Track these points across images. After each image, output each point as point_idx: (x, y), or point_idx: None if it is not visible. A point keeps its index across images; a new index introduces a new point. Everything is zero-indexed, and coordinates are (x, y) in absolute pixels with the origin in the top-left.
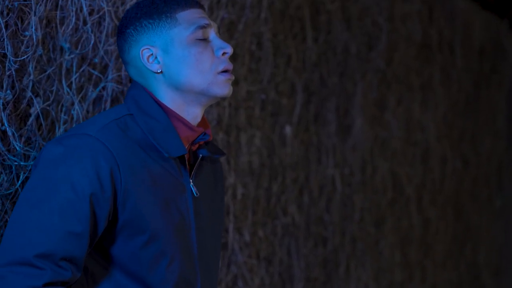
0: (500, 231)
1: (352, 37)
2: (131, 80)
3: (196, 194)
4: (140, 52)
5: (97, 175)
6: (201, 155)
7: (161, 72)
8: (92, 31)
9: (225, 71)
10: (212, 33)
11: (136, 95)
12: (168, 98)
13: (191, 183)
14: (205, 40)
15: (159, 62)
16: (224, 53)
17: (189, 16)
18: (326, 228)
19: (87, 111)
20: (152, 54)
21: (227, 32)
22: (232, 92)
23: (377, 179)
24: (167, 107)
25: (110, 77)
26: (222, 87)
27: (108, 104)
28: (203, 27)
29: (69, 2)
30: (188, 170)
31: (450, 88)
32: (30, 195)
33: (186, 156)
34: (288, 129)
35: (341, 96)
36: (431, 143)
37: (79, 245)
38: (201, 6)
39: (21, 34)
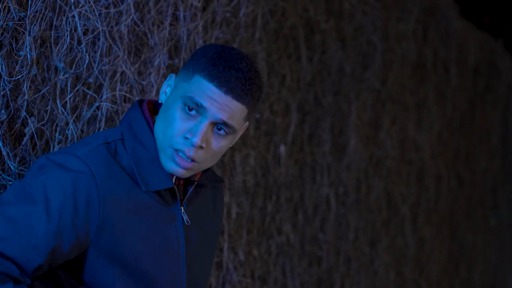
0: (495, 250)
1: (346, 56)
2: (125, 100)
3: (187, 222)
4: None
5: (73, 197)
6: (196, 182)
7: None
8: (86, 51)
9: (179, 152)
10: (205, 120)
11: (132, 119)
12: None
13: (182, 211)
14: (193, 116)
15: (165, 93)
16: (186, 138)
17: (204, 87)
18: (320, 248)
19: (82, 131)
20: (170, 85)
21: None
22: (185, 176)
23: (372, 198)
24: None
25: (104, 96)
26: (167, 162)
27: (102, 123)
28: (198, 105)
29: (64, 22)
30: (182, 197)
31: (445, 107)
32: (5, 195)
33: (181, 182)
34: (282, 149)
35: (335, 115)
36: (426, 162)
37: (32, 258)
38: (239, 100)
39: (16, 54)
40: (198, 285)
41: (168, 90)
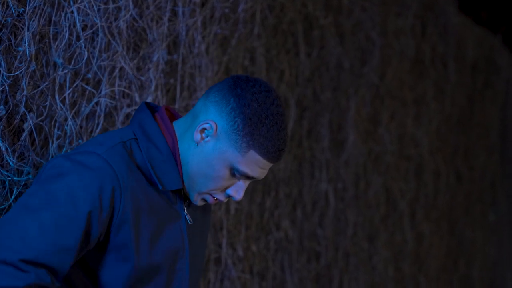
0: (494, 246)
1: (345, 52)
2: (124, 96)
3: (190, 221)
4: (205, 121)
5: (99, 194)
6: None
7: (197, 144)
8: (85, 47)
9: (215, 197)
10: (249, 181)
11: (143, 121)
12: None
13: (185, 211)
14: (234, 176)
15: (203, 138)
16: (229, 195)
17: (259, 162)
18: (319, 243)
19: (80, 127)
20: (209, 129)
21: (220, 47)
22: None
23: (371, 194)
24: (174, 141)
25: (103, 92)
26: (197, 199)
27: (101, 119)
28: (247, 176)
29: (62, 18)
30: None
31: (444, 103)
32: (29, 200)
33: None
34: None
35: (334, 111)
36: (424, 158)
37: (65, 260)
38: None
39: (14, 50)
40: (195, 281)
41: (206, 136)
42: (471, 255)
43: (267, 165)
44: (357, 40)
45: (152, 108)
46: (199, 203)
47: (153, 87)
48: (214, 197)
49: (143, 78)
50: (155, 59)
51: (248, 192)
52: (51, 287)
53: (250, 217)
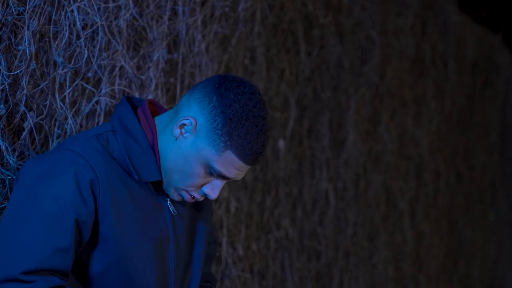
0: (494, 246)
1: (345, 51)
2: (124, 94)
3: (174, 212)
4: (186, 116)
5: (78, 189)
6: None
7: (176, 139)
8: (85, 46)
9: (191, 195)
10: (224, 181)
11: (122, 113)
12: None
13: (168, 202)
14: (211, 174)
15: (182, 134)
16: (204, 193)
17: (235, 164)
18: (319, 242)
19: (81, 125)
20: (188, 125)
21: (221, 46)
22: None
23: (371, 193)
24: (154, 135)
25: (103, 91)
26: (174, 195)
27: (101, 118)
28: (225, 177)
29: (63, 17)
30: None
31: (444, 102)
32: (15, 212)
33: None
34: (281, 143)
35: (334, 110)
36: (424, 157)
37: (65, 259)
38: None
39: (15, 49)
40: (189, 272)
41: (185, 131)
42: (471, 255)
43: (244, 167)
44: (357, 39)
45: (134, 103)
46: (177, 198)
47: (153, 86)
48: (190, 194)
49: (143, 77)
50: (155, 58)
51: (248, 191)
52: (62, 284)
53: (250, 216)
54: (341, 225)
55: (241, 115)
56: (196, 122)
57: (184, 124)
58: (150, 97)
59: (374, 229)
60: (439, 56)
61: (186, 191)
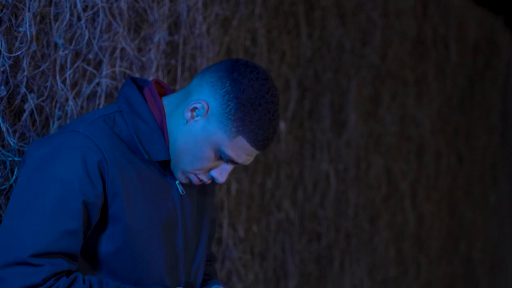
0: (495, 227)
1: (346, 33)
2: (125, 77)
3: (182, 192)
4: (197, 100)
5: (86, 171)
6: None
7: (186, 122)
8: (86, 27)
9: (199, 177)
10: (233, 165)
11: (128, 94)
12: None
13: (177, 182)
14: (220, 158)
15: (193, 117)
16: (212, 176)
17: (246, 149)
18: (320, 224)
19: (81, 107)
20: (200, 109)
21: (222, 28)
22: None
23: (372, 174)
24: (162, 115)
25: (104, 73)
26: (181, 177)
27: (102, 99)
28: (232, 161)
29: None
30: None
31: (445, 84)
32: (22, 195)
33: None
34: (282, 125)
35: (335, 92)
36: (425, 138)
37: (74, 242)
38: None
39: (15, 30)
40: (197, 252)
41: (197, 115)
42: (472, 236)
43: (254, 152)
44: (358, 21)
45: (139, 83)
46: (184, 180)
47: (154, 68)
48: (198, 178)
49: (144, 59)
50: (156, 40)
51: (249, 173)
52: (70, 268)
53: (251, 198)
54: (342, 207)
55: (254, 100)
56: (208, 106)
57: (196, 108)
58: (150, 79)
59: (375, 211)
60: (440, 38)
61: (194, 174)
